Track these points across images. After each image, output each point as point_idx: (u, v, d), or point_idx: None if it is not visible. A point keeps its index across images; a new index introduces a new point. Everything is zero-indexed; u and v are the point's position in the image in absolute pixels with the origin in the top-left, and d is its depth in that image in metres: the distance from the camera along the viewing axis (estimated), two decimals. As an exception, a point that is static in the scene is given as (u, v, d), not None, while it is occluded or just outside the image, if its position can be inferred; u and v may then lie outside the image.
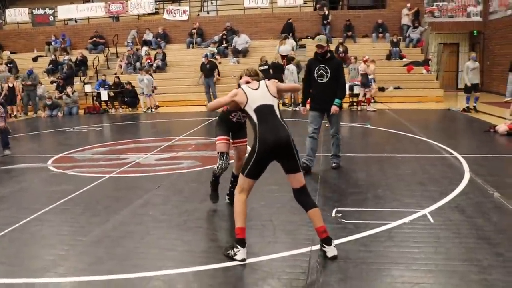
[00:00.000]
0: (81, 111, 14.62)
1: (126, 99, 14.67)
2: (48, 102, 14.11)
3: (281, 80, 13.10)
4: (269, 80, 3.68)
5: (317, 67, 5.77)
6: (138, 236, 3.86)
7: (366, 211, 4.31)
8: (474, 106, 11.47)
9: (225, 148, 4.35)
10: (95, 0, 19.74)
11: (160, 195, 5.11)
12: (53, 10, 19.28)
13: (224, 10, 18.92)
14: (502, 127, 8.30)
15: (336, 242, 3.48)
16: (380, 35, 17.20)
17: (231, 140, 4.43)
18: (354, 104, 13.20)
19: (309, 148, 5.92)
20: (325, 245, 3.32)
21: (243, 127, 4.38)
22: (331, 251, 3.30)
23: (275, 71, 13.57)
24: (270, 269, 3.19)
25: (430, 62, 16.01)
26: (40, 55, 18.60)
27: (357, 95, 13.09)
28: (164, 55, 17.04)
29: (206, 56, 15.12)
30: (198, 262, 3.34)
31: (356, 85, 12.95)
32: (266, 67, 13.81)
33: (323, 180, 5.56)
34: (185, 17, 18.77)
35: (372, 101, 13.39)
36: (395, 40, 16.21)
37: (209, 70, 14.72)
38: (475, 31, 17.83)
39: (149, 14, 19.23)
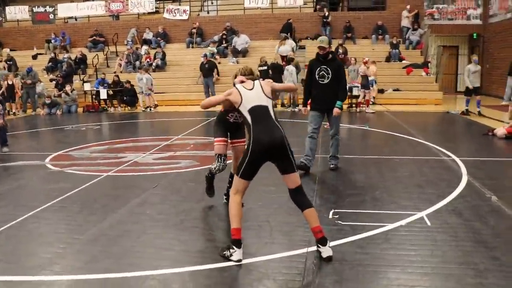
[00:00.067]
0: (80, 110, 14.61)
1: (125, 98, 14.66)
2: (47, 101, 14.10)
3: (280, 81, 13.11)
4: (264, 79, 3.68)
5: (319, 68, 5.80)
6: (134, 235, 3.86)
7: (363, 213, 4.31)
8: (479, 111, 11.38)
9: (223, 150, 4.41)
10: (96, -1, 19.74)
11: (157, 194, 5.10)
12: (53, 8, 19.27)
13: (224, 10, 18.93)
14: (500, 130, 8.31)
15: (332, 243, 3.49)
16: (380, 37, 17.22)
17: (229, 140, 4.43)
18: (353, 105, 13.22)
19: (308, 148, 5.93)
20: (320, 245, 3.33)
21: (241, 127, 4.38)
22: (326, 251, 3.31)
23: (274, 71, 13.58)
24: (266, 270, 3.19)
25: (429, 64, 16.04)
26: (40, 53, 18.60)
27: (356, 96, 13.10)
28: (164, 54, 17.04)
29: (205, 55, 15.13)
30: (194, 262, 3.34)
31: (355, 86, 12.96)
32: (265, 67, 13.82)
33: (321, 181, 5.56)
34: (185, 17, 18.78)
35: (371, 102, 13.41)
36: (394, 42, 16.23)
37: (208, 69, 14.72)
38: (474, 34, 17.86)
39: (149, 13, 19.24)
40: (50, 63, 17.12)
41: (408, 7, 17.16)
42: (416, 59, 16.16)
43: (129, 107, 14.72)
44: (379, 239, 3.69)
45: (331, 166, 6.07)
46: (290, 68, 13.38)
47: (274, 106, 14.56)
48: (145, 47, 17.70)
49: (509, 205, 4.41)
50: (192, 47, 17.97)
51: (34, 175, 6.18)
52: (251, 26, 18.19)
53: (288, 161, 3.37)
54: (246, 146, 3.44)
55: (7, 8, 19.59)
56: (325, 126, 6.33)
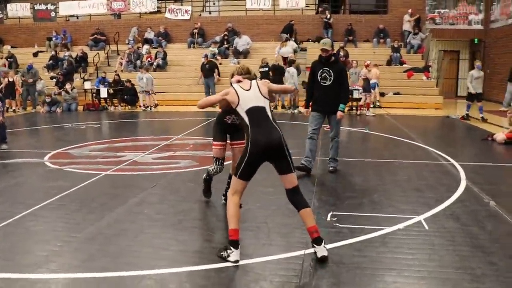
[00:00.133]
0: (80, 108, 14.61)
1: (125, 97, 14.66)
2: (47, 99, 14.09)
3: (281, 82, 13.12)
4: (261, 79, 3.68)
5: (321, 70, 5.83)
6: (132, 235, 3.85)
7: (361, 216, 4.30)
8: (482, 117, 11.32)
9: (221, 154, 4.47)
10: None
11: (156, 194, 5.10)
12: (54, 6, 19.28)
13: (226, 10, 18.94)
14: (500, 135, 8.31)
15: (330, 246, 3.49)
16: (381, 40, 17.23)
17: (228, 141, 4.44)
18: (354, 108, 13.22)
19: (308, 149, 5.95)
20: (315, 245, 3.33)
21: (240, 129, 4.38)
22: (321, 251, 3.31)
23: (275, 73, 13.60)
24: (263, 271, 3.19)
25: (430, 68, 16.04)
26: (41, 50, 18.60)
27: (357, 99, 13.11)
28: (165, 54, 17.04)
29: (206, 56, 15.13)
30: (191, 262, 3.34)
31: (356, 89, 12.97)
32: (266, 68, 13.84)
33: (320, 183, 5.56)
34: (187, 17, 18.79)
35: (372, 106, 13.42)
36: (396, 45, 16.25)
37: (208, 70, 14.73)
38: (475, 39, 17.89)
39: (151, 12, 19.25)
40: (51, 61, 17.13)
41: (409, 11, 17.18)
42: (417, 63, 16.18)
43: (129, 106, 14.71)
44: (376, 242, 3.69)
45: (330, 168, 6.07)
46: (291, 70, 13.38)
47: (275, 108, 14.64)
48: (146, 47, 17.70)
49: (507, 210, 4.41)
50: (194, 47, 17.97)
51: (33, 173, 6.17)
52: (252, 27, 18.21)
53: (286, 161, 3.38)
54: (244, 146, 3.44)
55: (8, 5, 19.60)
56: (325, 129, 6.33)
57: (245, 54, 17.14)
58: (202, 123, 10.97)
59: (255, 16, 18.50)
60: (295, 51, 15.99)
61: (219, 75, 15.13)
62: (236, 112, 3.48)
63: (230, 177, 4.53)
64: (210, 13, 19.61)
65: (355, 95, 12.98)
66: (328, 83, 5.81)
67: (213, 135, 4.50)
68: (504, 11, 16.21)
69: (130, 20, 19.17)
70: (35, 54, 18.20)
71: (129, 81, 14.61)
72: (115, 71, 15.89)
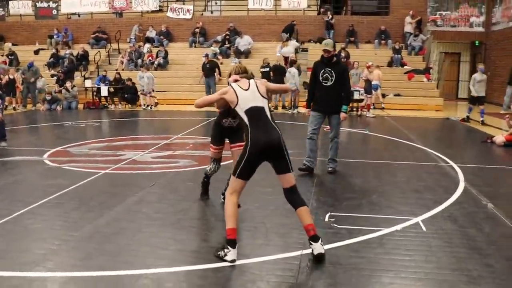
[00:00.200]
0: (81, 106, 14.62)
1: (126, 95, 14.66)
2: (48, 97, 14.11)
3: (282, 83, 13.12)
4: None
5: (323, 70, 5.86)
6: (130, 233, 3.86)
7: (359, 217, 4.31)
8: (482, 120, 11.24)
9: (218, 156, 4.60)
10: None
11: (155, 193, 5.10)
12: (56, 4, 19.29)
13: (228, 10, 18.95)
14: (499, 138, 8.31)
15: (327, 247, 3.49)
16: (383, 41, 17.23)
17: (230, 144, 4.48)
18: (354, 109, 13.22)
19: (308, 149, 6.00)
20: (312, 242, 3.34)
21: (237, 131, 4.40)
22: (317, 248, 3.31)
23: (276, 73, 13.60)
24: (260, 271, 3.19)
25: (431, 70, 16.04)
26: (42, 48, 18.61)
27: (358, 100, 13.11)
28: (166, 53, 17.05)
29: (207, 55, 15.13)
30: (188, 261, 3.34)
31: (356, 90, 12.98)
32: (267, 69, 13.84)
33: (319, 184, 5.57)
34: (188, 16, 18.80)
35: (373, 107, 13.43)
36: (397, 47, 16.24)
37: (209, 69, 14.73)
38: (477, 42, 17.88)
39: (152, 11, 19.25)
40: (52, 59, 17.14)
41: (411, 12, 17.17)
42: (418, 65, 16.17)
43: (129, 105, 14.72)
44: (374, 243, 3.69)
45: (329, 169, 6.07)
46: (293, 70, 13.39)
47: (275, 108, 14.64)
48: (147, 45, 17.71)
49: (505, 212, 4.41)
50: (195, 47, 17.98)
51: (32, 171, 6.18)
52: (254, 27, 18.21)
53: (284, 161, 3.40)
54: (244, 146, 3.45)
55: (10, 2, 19.61)
56: (325, 129, 6.33)
57: (247, 54, 17.14)
58: (202, 123, 10.97)
59: (257, 16, 18.51)
60: (296, 51, 16.01)
61: (220, 75, 15.13)
62: (235, 112, 3.49)
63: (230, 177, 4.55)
64: (212, 12, 19.62)
65: (356, 96, 12.98)
66: (329, 83, 5.84)
67: (211, 137, 4.59)
68: (505, 14, 16.20)
69: (131, 19, 19.18)
70: (36, 52, 18.22)
71: (130, 79, 14.61)
72: (116, 70, 15.90)
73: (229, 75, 3.85)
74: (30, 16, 19.66)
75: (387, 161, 6.86)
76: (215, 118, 4.60)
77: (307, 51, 16.88)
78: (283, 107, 14.03)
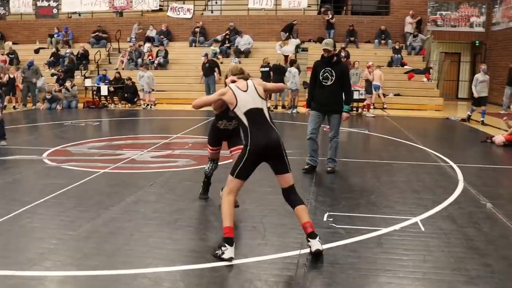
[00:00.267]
0: (81, 105, 14.61)
1: (126, 95, 14.66)
2: (48, 96, 14.11)
3: (282, 82, 13.11)
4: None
5: (323, 70, 5.87)
6: (127, 233, 3.85)
7: (357, 217, 4.30)
8: (482, 121, 11.18)
9: (215, 156, 4.64)
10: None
11: (153, 192, 5.10)
12: (57, 3, 19.27)
13: (228, 10, 18.93)
14: (499, 138, 8.30)
15: (325, 246, 3.49)
16: (383, 41, 17.21)
17: (229, 148, 4.48)
18: (354, 109, 13.21)
19: (310, 149, 6.03)
20: (310, 239, 3.34)
21: (234, 134, 4.39)
22: (315, 244, 3.32)
23: (276, 72, 13.59)
24: (258, 271, 3.19)
25: (431, 70, 16.02)
26: (42, 47, 18.60)
27: (357, 100, 13.09)
28: (166, 53, 17.04)
29: (206, 55, 15.11)
30: (186, 261, 3.34)
31: (356, 90, 12.96)
32: (267, 68, 13.83)
33: (318, 183, 5.56)
34: (189, 15, 18.78)
35: (372, 107, 13.42)
36: (397, 47, 16.23)
37: (208, 69, 14.71)
38: (477, 42, 17.86)
39: (153, 10, 19.24)
40: (52, 58, 17.13)
41: (411, 12, 17.15)
42: (418, 65, 16.15)
43: (129, 104, 14.71)
44: (372, 243, 3.69)
45: (328, 168, 6.07)
46: (293, 70, 13.38)
47: (275, 107, 14.61)
48: (147, 45, 17.70)
49: (504, 212, 4.40)
50: (195, 46, 17.97)
51: (30, 170, 6.17)
52: (254, 27, 18.19)
53: (283, 162, 3.44)
54: (243, 147, 3.47)
55: (10, 1, 19.58)
56: (324, 129, 6.32)
57: (247, 53, 17.13)
58: (202, 122, 10.96)
59: (257, 15, 18.49)
60: (297, 49, 16.00)
61: (220, 74, 15.12)
62: (234, 114, 3.50)
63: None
64: (212, 12, 19.60)
65: (355, 96, 12.96)
66: (329, 83, 5.85)
67: (208, 138, 4.63)
68: (505, 14, 16.19)
69: (132, 18, 19.17)
70: (37, 51, 18.21)
71: (129, 79, 14.60)
72: (116, 69, 15.89)
73: (226, 76, 3.85)
74: (30, 15, 19.64)
75: (386, 160, 6.85)
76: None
77: (307, 50, 16.87)
78: (283, 106, 14.03)
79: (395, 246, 3.64)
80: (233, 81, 3.63)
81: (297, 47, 16.22)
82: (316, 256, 3.33)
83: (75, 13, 19.74)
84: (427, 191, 5.19)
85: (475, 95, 11.43)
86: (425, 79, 15.40)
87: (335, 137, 6.07)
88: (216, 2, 19.66)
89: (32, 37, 19.27)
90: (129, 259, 3.35)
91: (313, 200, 4.81)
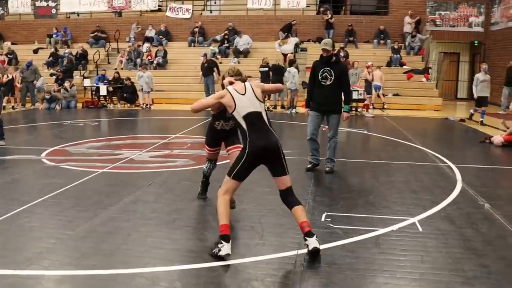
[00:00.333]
0: (80, 105, 14.60)
1: (125, 95, 14.65)
2: (47, 96, 14.09)
3: (281, 82, 13.12)
4: (261, 81, 3.71)
5: (322, 70, 5.88)
6: (125, 233, 3.85)
7: (355, 217, 4.30)
8: (481, 121, 11.15)
9: (214, 157, 4.66)
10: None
11: (151, 192, 5.10)
12: (55, 3, 19.26)
13: (227, 10, 18.93)
14: (497, 138, 8.30)
15: (323, 247, 3.49)
16: (382, 41, 17.22)
17: (226, 147, 4.48)
18: (353, 109, 13.22)
19: (310, 148, 6.08)
20: (307, 238, 3.35)
21: (231, 134, 4.40)
22: (312, 243, 3.33)
23: (275, 72, 13.60)
24: (255, 271, 3.19)
25: (430, 70, 16.04)
26: (41, 47, 18.59)
27: (356, 100, 13.09)
28: (165, 53, 17.03)
29: (205, 55, 15.11)
30: (183, 261, 3.34)
31: (355, 90, 12.96)
32: (266, 68, 13.83)
33: (316, 183, 5.56)
34: (187, 15, 18.78)
35: (372, 107, 13.43)
36: (396, 47, 16.24)
37: (207, 69, 14.70)
38: (476, 41, 17.88)
39: (152, 10, 19.23)
40: (51, 58, 17.12)
41: (410, 12, 17.16)
42: (417, 65, 16.17)
43: (128, 104, 14.71)
44: (370, 243, 3.69)
45: (327, 169, 6.07)
46: (293, 70, 13.38)
47: (274, 107, 14.62)
48: (146, 45, 17.69)
49: (502, 213, 4.41)
50: (194, 46, 17.97)
51: (29, 170, 6.17)
52: (253, 27, 18.20)
53: (281, 164, 3.46)
54: (241, 149, 3.49)
55: (9, 1, 19.57)
56: (323, 129, 6.33)
57: (246, 53, 17.13)
58: (200, 122, 10.96)
59: (256, 15, 18.49)
60: (296, 48, 16.00)
61: (219, 74, 15.11)
62: (233, 117, 3.50)
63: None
64: (211, 12, 19.60)
65: (354, 96, 12.96)
66: (328, 82, 5.86)
67: (205, 139, 4.64)
68: (504, 14, 16.20)
69: (131, 18, 19.16)
70: (35, 51, 18.20)
71: (128, 79, 14.60)
72: (115, 69, 15.89)
73: (223, 78, 3.85)
74: (29, 15, 19.63)
75: (385, 161, 6.85)
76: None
77: (306, 50, 16.87)
78: (282, 106, 14.03)
79: (393, 246, 3.65)
80: (231, 83, 3.63)
81: (296, 45, 16.23)
82: (314, 255, 3.34)
83: (73, 13, 19.73)
84: (426, 192, 5.20)
85: (475, 95, 11.42)
86: (424, 79, 15.41)
87: (334, 137, 6.08)
88: (215, 2, 19.67)
89: (31, 37, 19.26)
90: (127, 259, 3.35)
91: (311, 200, 4.82)
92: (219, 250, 3.29)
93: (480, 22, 17.63)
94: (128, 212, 4.39)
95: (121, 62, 16.89)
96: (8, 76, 13.96)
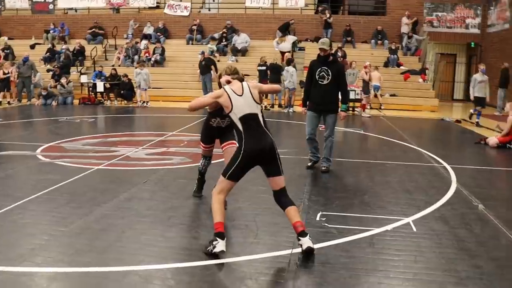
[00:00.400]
0: (76, 101, 14.54)
1: (122, 91, 14.60)
2: (43, 92, 14.03)
3: (279, 81, 13.12)
4: (260, 80, 3.71)
5: (319, 69, 5.89)
6: (120, 230, 3.84)
7: (350, 217, 4.31)
8: (477, 122, 11.18)
9: (208, 154, 4.66)
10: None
11: (147, 189, 5.09)
12: (53, -1, 19.19)
13: (226, 8, 18.90)
14: (492, 139, 8.34)
15: (317, 246, 3.50)
16: (379, 42, 17.25)
17: (221, 144, 4.48)
18: (350, 109, 13.23)
19: (310, 147, 6.15)
20: (300, 238, 3.36)
21: (227, 131, 4.39)
22: (306, 242, 3.33)
23: (273, 71, 13.59)
24: (249, 269, 3.19)
25: (426, 71, 16.08)
26: (38, 42, 18.50)
27: (353, 100, 13.12)
28: (163, 50, 16.99)
29: (203, 53, 15.08)
30: (178, 259, 3.33)
31: (352, 90, 12.98)
32: (264, 67, 13.83)
33: (311, 183, 5.57)
34: (186, 13, 18.74)
35: (369, 107, 13.46)
36: (393, 47, 16.27)
37: (204, 67, 14.68)
38: (472, 43, 17.94)
39: (150, 7, 19.18)
40: (48, 54, 17.05)
41: (407, 13, 17.20)
42: (414, 66, 16.21)
43: (125, 101, 14.66)
44: (364, 243, 3.70)
45: (323, 168, 6.07)
46: (291, 69, 13.39)
47: (272, 106, 14.62)
48: (144, 42, 17.65)
49: (495, 214, 4.43)
50: (192, 44, 17.93)
51: (23, 166, 6.14)
52: (251, 25, 18.18)
53: (276, 165, 3.47)
54: (237, 150, 3.48)
55: (6, -4, 19.49)
56: (320, 128, 6.34)
57: (244, 52, 17.12)
58: (198, 120, 10.94)
59: (254, 14, 18.47)
60: (293, 46, 16.00)
61: (217, 72, 15.07)
62: (229, 117, 3.50)
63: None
64: (209, 9, 19.56)
65: (351, 95, 12.98)
66: (325, 82, 5.88)
67: (201, 136, 4.63)
68: (500, 16, 16.27)
69: (128, 15, 19.10)
70: (32, 46, 18.11)
71: (126, 75, 14.55)
72: (112, 66, 15.83)
73: (220, 76, 3.84)
74: (26, 10, 19.53)
75: (380, 161, 6.87)
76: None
77: (304, 50, 16.87)
78: (279, 105, 14.03)
79: (387, 246, 3.66)
80: (228, 81, 3.61)
81: (294, 44, 16.23)
82: (308, 255, 3.34)
83: (71, 9, 19.65)
84: (420, 192, 5.21)
85: (471, 96, 11.44)
86: (420, 80, 15.45)
87: (330, 137, 6.09)
88: (214, 0, 19.63)
89: (28, 32, 19.16)
90: (120, 256, 3.34)
91: (307, 199, 4.82)
92: (214, 247, 3.28)
93: (476, 24, 17.69)
94: (123, 209, 4.38)
95: (118, 58, 16.84)
96: (5, 72, 13.87)
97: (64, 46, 17.10)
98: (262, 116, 3.55)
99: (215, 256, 3.29)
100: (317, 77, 5.89)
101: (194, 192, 4.81)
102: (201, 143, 4.62)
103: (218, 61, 15.89)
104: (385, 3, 18.22)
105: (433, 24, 17.88)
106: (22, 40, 18.72)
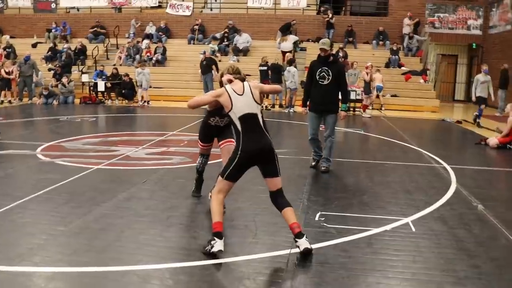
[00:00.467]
0: (77, 101, 14.56)
1: (123, 91, 14.61)
2: (45, 92, 14.05)
3: (279, 81, 13.11)
4: (261, 80, 3.72)
5: (320, 69, 5.90)
6: (118, 230, 3.84)
7: (349, 217, 4.31)
8: (478, 122, 11.15)
9: (207, 152, 4.67)
10: (98, -10, 19.66)
11: (146, 189, 5.09)
12: (55, -3, 19.22)
13: (228, 8, 18.90)
14: (492, 140, 8.33)
15: (316, 246, 3.50)
16: (381, 42, 17.23)
17: (218, 142, 4.48)
18: (351, 109, 13.23)
19: (313, 147, 6.18)
20: (297, 239, 3.36)
21: (225, 129, 4.39)
22: (303, 244, 3.33)
23: (274, 71, 13.59)
24: (247, 269, 3.19)
25: (428, 72, 16.07)
26: (40, 41, 18.53)
27: (354, 100, 13.12)
28: (165, 50, 17.00)
29: (204, 52, 15.09)
30: (176, 258, 3.34)
31: (353, 90, 12.98)
32: (265, 67, 13.82)
33: (311, 183, 5.56)
34: (188, 13, 18.75)
35: (371, 107, 13.45)
36: (394, 48, 16.25)
37: (206, 66, 14.68)
38: (474, 44, 17.91)
39: (152, 7, 19.19)
40: (49, 53, 17.07)
41: (408, 13, 17.18)
42: (415, 66, 16.19)
43: (126, 101, 14.67)
44: (363, 243, 3.70)
45: (323, 168, 6.07)
46: (292, 69, 13.38)
47: (272, 106, 14.61)
48: (146, 41, 17.66)
49: (494, 214, 4.42)
50: (194, 44, 17.94)
51: (23, 165, 6.15)
52: (253, 25, 18.18)
53: (273, 165, 3.48)
54: (234, 150, 3.47)
55: (9, -5, 19.54)
56: (320, 128, 6.34)
57: (245, 52, 17.12)
58: (198, 120, 10.90)
59: (256, 14, 18.47)
60: (295, 46, 15.99)
61: (218, 72, 15.07)
62: (229, 116, 3.50)
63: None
64: (211, 9, 19.57)
65: (352, 96, 12.98)
66: (326, 82, 5.89)
67: (199, 134, 4.62)
68: (502, 17, 16.24)
69: (130, 14, 19.12)
70: (34, 45, 18.14)
71: (127, 75, 14.56)
72: (114, 65, 15.84)
73: (221, 75, 3.84)
74: (28, 9, 19.56)
75: (380, 161, 6.87)
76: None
77: (305, 50, 16.87)
78: (280, 105, 14.03)
79: (386, 246, 3.66)
80: (230, 81, 3.61)
81: (295, 43, 16.22)
82: (306, 255, 3.34)
83: (73, 8, 19.68)
84: (420, 192, 5.21)
85: (473, 97, 11.42)
86: (422, 81, 15.43)
87: (330, 137, 6.09)
88: (216, 0, 19.63)
89: (30, 31, 19.19)
90: (119, 256, 3.34)
91: (306, 199, 4.82)
92: (212, 247, 3.29)
93: (478, 25, 17.66)
94: (122, 209, 4.39)
95: (120, 58, 16.85)
96: (6, 71, 13.88)
97: (65, 45, 17.12)
98: (262, 116, 3.55)
99: (214, 256, 3.29)
100: (317, 77, 5.90)
101: (193, 192, 4.81)
102: (199, 141, 4.62)
103: (220, 61, 15.90)
104: (387, 4, 18.20)
105: (435, 25, 17.85)
106: (24, 39, 18.74)
